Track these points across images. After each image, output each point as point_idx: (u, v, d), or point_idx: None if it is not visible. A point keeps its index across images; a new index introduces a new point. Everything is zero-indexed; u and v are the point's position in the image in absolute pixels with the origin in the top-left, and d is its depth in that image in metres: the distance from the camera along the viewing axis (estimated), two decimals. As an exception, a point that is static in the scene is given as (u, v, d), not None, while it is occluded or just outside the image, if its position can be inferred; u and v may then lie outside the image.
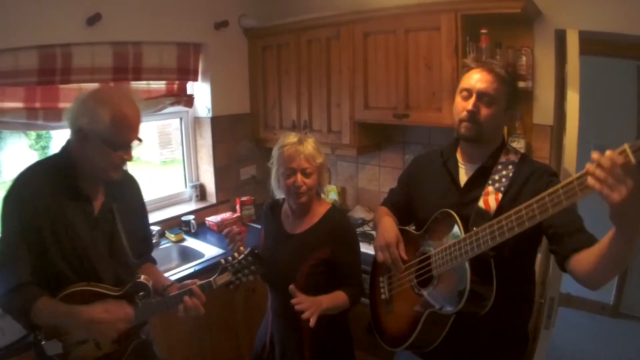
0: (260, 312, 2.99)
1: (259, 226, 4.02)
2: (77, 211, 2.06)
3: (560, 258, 1.82)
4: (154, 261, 2.55)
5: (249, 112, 4.54)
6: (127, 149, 2.05)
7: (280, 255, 2.49)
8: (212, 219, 4.15)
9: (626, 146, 1.36)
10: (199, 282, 2.18)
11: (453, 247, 1.90)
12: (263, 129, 4.48)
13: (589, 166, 1.42)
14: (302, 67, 4.01)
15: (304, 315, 2.18)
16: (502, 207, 1.93)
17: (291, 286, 2.31)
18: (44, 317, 1.93)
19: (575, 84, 2.64)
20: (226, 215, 4.21)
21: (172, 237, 3.85)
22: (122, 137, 2.00)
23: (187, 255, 3.73)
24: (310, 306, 2.23)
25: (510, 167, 2.04)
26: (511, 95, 2.05)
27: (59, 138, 3.45)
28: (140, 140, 2.08)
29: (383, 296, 2.32)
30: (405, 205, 2.44)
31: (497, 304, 1.85)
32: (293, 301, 2.24)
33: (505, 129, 3.27)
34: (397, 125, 3.66)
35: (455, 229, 1.95)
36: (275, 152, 2.52)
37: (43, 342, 2.04)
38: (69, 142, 2.07)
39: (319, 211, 2.56)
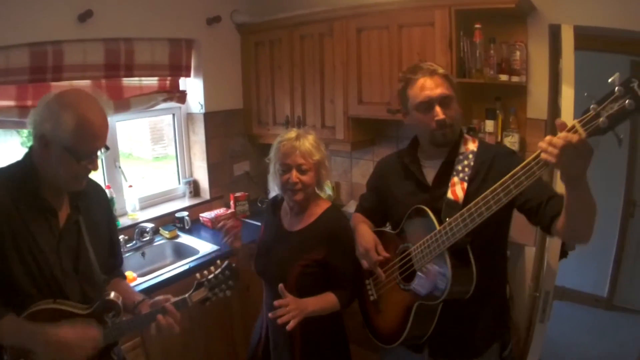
0: (255, 309, 2.99)
1: (253, 222, 4.05)
2: (41, 224, 1.90)
3: (544, 228, 1.97)
4: (123, 276, 2.45)
5: (242, 107, 4.53)
6: (92, 158, 1.89)
7: (276, 252, 2.50)
8: (206, 215, 4.14)
9: (575, 122, 1.51)
10: (173, 300, 2.08)
11: (430, 239, 2.00)
12: (256, 124, 4.46)
13: (541, 145, 1.56)
14: (295, 62, 4.00)
15: (280, 320, 2.20)
16: (469, 195, 2.03)
17: (280, 285, 2.32)
18: (8, 338, 1.83)
19: (570, 79, 2.64)
20: (220, 211, 4.20)
21: (166, 233, 3.84)
22: (87, 146, 1.84)
23: (181, 251, 3.72)
24: (294, 309, 2.25)
25: (470, 156, 2.13)
26: (455, 86, 2.15)
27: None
28: (107, 148, 1.95)
29: (372, 297, 2.38)
30: (377, 208, 2.52)
31: (478, 284, 1.97)
32: (276, 303, 2.25)
33: (500, 124, 3.28)
34: (391, 120, 3.66)
35: (430, 222, 2.03)
36: (273, 147, 2.52)
37: None
38: (31, 149, 1.94)
39: (317, 210, 2.55)
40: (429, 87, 2.06)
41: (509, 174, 1.72)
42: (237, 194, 4.35)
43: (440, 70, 2.12)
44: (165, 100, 3.98)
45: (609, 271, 5.15)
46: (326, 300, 2.44)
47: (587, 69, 3.26)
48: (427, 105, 2.06)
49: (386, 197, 2.42)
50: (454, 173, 2.11)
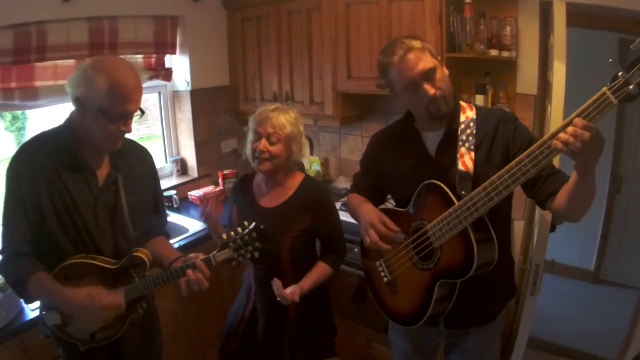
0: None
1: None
2: (79, 182, 2.03)
3: (540, 203, 1.98)
4: (167, 235, 2.55)
5: (228, 84, 4.48)
6: (126, 120, 1.97)
7: None
8: (195, 193, 4.13)
9: (605, 89, 1.50)
10: (201, 257, 2.12)
11: (449, 216, 1.90)
12: (243, 101, 4.42)
13: (563, 136, 1.57)
14: (283, 38, 3.95)
15: (285, 303, 2.38)
16: (478, 165, 1.98)
17: (274, 280, 2.40)
18: (37, 292, 1.97)
19: (562, 54, 2.62)
20: (209, 189, 4.20)
21: (154, 213, 3.79)
22: (120, 107, 1.91)
23: (170, 230, 3.63)
24: (291, 295, 2.37)
25: (471, 124, 2.06)
26: (435, 54, 2.03)
27: (35, 119, 3.39)
28: (142, 112, 2.04)
29: (385, 279, 2.28)
30: (374, 187, 2.43)
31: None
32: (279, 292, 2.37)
33: (490, 98, 3.27)
34: (380, 95, 3.65)
35: (447, 197, 1.94)
36: (250, 118, 2.54)
37: (43, 313, 2.10)
38: (71, 113, 2.04)
39: (293, 183, 2.58)
40: (409, 66, 1.94)
41: (537, 144, 1.66)
42: (225, 172, 4.32)
43: (415, 44, 1.97)
44: (150, 78, 3.93)
45: (596, 245, 5.20)
46: (318, 273, 2.55)
47: (576, 46, 3.27)
48: (413, 85, 1.96)
49: (385, 174, 2.32)
50: (460, 143, 2.02)
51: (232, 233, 2.13)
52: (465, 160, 1.99)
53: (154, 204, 2.42)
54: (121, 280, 2.09)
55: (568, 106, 3.05)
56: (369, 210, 2.23)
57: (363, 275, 3.46)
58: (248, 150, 2.53)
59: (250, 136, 2.52)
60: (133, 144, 2.31)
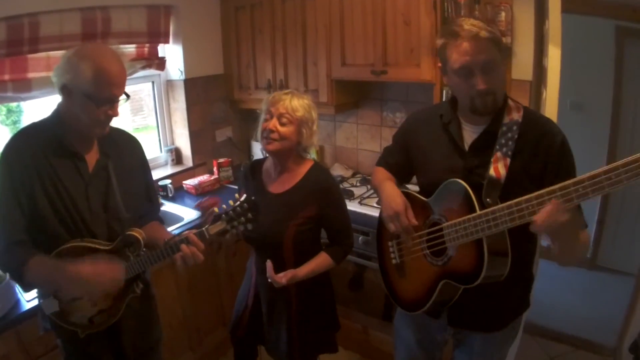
0: (242, 274, 3.00)
1: (237, 187, 4.02)
2: (69, 169, 2.07)
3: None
4: (160, 220, 2.58)
5: (222, 73, 4.46)
6: (112, 104, 2.03)
7: (265, 217, 2.46)
8: (190, 182, 4.11)
9: None
10: (194, 232, 2.15)
11: (468, 222, 1.85)
12: (237, 89, 4.41)
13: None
14: (277, 26, 3.93)
15: (277, 286, 2.42)
16: (511, 174, 1.89)
17: (267, 261, 2.42)
18: (36, 274, 1.97)
19: (557, 40, 2.61)
20: (204, 177, 4.18)
21: (149, 202, 3.79)
22: (105, 91, 1.97)
23: (166, 219, 3.64)
24: (282, 277, 2.40)
25: (514, 127, 1.93)
26: (502, 48, 1.91)
27: (30, 113, 3.38)
28: (127, 96, 2.08)
29: (394, 261, 2.28)
30: (403, 165, 2.36)
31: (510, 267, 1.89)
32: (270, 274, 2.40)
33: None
34: (375, 82, 3.65)
35: (469, 201, 1.88)
36: (264, 99, 2.56)
37: (40, 301, 2.13)
38: (59, 104, 2.10)
39: (301, 170, 2.56)
40: (471, 52, 1.83)
41: (574, 180, 1.57)
42: (220, 160, 4.31)
43: (484, 34, 1.84)
44: (144, 68, 3.90)
45: (593, 232, 5.19)
46: (317, 263, 2.53)
47: (572, 33, 3.25)
48: (467, 71, 1.86)
49: (416, 155, 2.26)
50: (497, 147, 1.92)
51: (224, 206, 2.14)
52: (499, 167, 1.90)
53: (146, 191, 2.46)
54: (116, 260, 2.11)
55: (562, 94, 3.06)
56: (393, 194, 2.17)
57: (361, 263, 3.49)
58: (258, 131, 2.53)
59: (262, 117, 2.52)
60: (121, 132, 2.37)
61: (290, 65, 3.95)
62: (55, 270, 1.95)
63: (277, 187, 2.58)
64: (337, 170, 4.16)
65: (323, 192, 2.51)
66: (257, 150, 2.51)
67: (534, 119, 2.01)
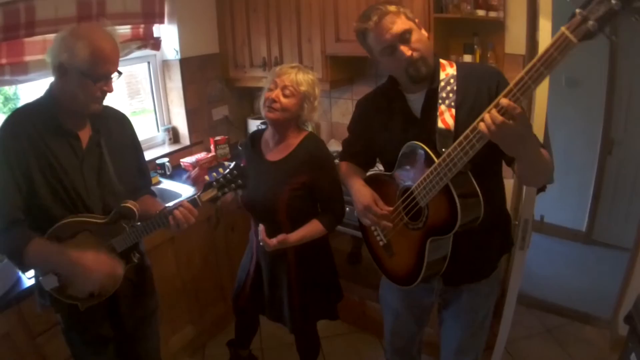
0: (241, 249, 3.05)
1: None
2: (64, 147, 2.12)
3: (507, 163, 2.00)
4: (153, 194, 2.64)
5: (218, 52, 4.47)
6: (107, 80, 2.10)
7: (262, 183, 2.56)
8: (187, 160, 4.15)
9: (563, 29, 1.46)
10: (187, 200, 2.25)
11: (431, 174, 1.90)
12: (233, 68, 4.41)
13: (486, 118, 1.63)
14: (271, 4, 3.94)
15: (268, 249, 2.56)
16: (459, 121, 1.97)
17: (260, 225, 2.53)
18: (36, 258, 2.03)
19: (548, 12, 2.63)
20: (201, 155, 4.21)
21: (147, 180, 3.82)
22: (101, 68, 2.04)
23: (164, 197, 3.69)
24: (273, 240, 2.50)
25: (452, 80, 2.03)
26: (409, 12, 2.01)
27: (27, 100, 3.42)
28: (119, 73, 2.13)
29: (381, 243, 2.32)
30: (365, 152, 2.44)
31: (484, 209, 1.93)
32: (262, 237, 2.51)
33: (478, 59, 3.28)
34: (369, 57, 3.64)
35: (427, 156, 1.95)
36: (271, 70, 2.64)
37: (40, 278, 2.16)
38: (51, 84, 2.14)
39: (297, 140, 2.64)
40: (384, 30, 1.94)
41: (502, 94, 1.62)
42: (217, 138, 4.34)
43: (391, 8, 1.96)
44: (139, 48, 3.90)
45: (588, 206, 5.25)
46: (309, 229, 2.61)
47: (567, 8, 3.26)
48: (390, 49, 1.96)
49: (374, 138, 2.32)
50: (440, 101, 2.02)
51: (214, 174, 2.23)
52: (446, 118, 1.98)
53: (138, 167, 2.53)
54: (113, 232, 2.18)
55: (558, 68, 3.08)
56: (360, 189, 2.25)
57: (358, 236, 3.51)
58: (262, 100, 2.61)
59: (266, 87, 2.60)
60: (112, 110, 2.42)
61: (285, 43, 3.96)
62: (55, 255, 2.02)
63: (274, 155, 2.66)
64: (333, 146, 4.18)
65: (315, 160, 2.59)
66: (253, 128, 2.58)
67: (468, 67, 2.18)
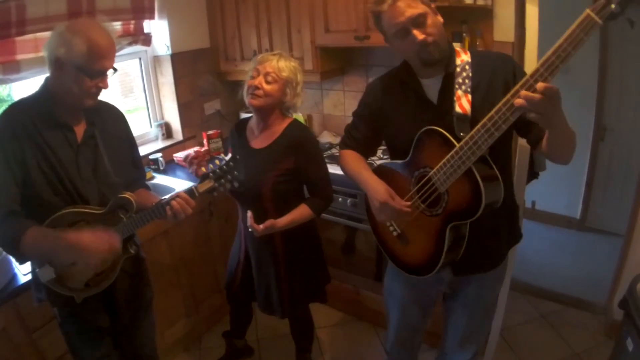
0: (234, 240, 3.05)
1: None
2: (59, 139, 2.14)
3: (532, 144, 2.04)
4: (147, 187, 2.66)
5: (209, 46, 4.47)
6: (103, 76, 2.11)
7: (246, 169, 2.54)
8: (180, 155, 4.14)
9: (588, 10, 1.49)
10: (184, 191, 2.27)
11: (452, 158, 1.90)
12: (224, 61, 4.41)
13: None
14: (260, -5, 3.95)
15: (256, 234, 2.59)
16: (475, 106, 1.98)
17: (249, 212, 2.55)
18: (33, 245, 2.01)
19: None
20: (194, 150, 4.18)
21: (141, 176, 3.82)
22: (98, 64, 2.05)
23: (158, 192, 3.66)
24: (260, 225, 2.53)
25: (467, 67, 2.04)
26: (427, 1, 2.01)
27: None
28: (115, 69, 2.15)
29: (395, 233, 2.28)
30: (371, 137, 2.40)
31: None
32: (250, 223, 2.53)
33: (467, 47, 3.29)
34: (359, 47, 3.67)
35: (447, 140, 1.94)
36: (253, 58, 2.68)
37: (37, 270, 2.18)
38: (47, 79, 2.16)
39: (281, 127, 2.67)
40: (398, 13, 1.93)
41: (529, 74, 1.64)
42: (210, 132, 4.32)
43: None
44: (130, 44, 3.90)
45: (581, 193, 5.28)
46: (297, 213, 2.65)
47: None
48: (403, 32, 1.95)
49: (385, 123, 2.28)
50: (456, 87, 2.02)
51: (211, 166, 2.25)
52: (463, 103, 1.99)
53: (132, 159, 2.55)
54: (110, 222, 2.19)
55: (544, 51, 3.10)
56: (376, 188, 2.17)
57: (352, 226, 3.53)
58: (245, 87, 2.64)
59: (248, 74, 2.64)
60: (106, 104, 2.43)
61: (275, 35, 3.96)
62: (52, 240, 2.01)
63: (259, 142, 2.69)
64: (326, 138, 4.20)
65: (299, 145, 2.61)
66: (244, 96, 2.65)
67: (482, 54, 2.20)
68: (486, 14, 3.22)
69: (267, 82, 2.55)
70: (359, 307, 3.89)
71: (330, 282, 3.03)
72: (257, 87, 2.54)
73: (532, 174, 3.63)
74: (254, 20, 4.03)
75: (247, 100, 2.60)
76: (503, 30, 3.23)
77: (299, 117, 4.39)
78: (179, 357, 3.69)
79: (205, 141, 4.33)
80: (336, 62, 3.99)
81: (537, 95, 1.58)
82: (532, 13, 2.68)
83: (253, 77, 2.58)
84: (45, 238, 2.02)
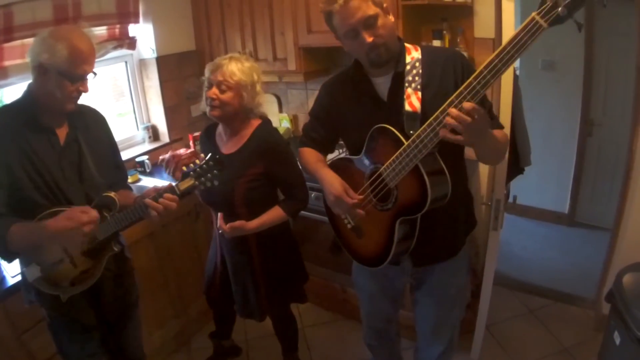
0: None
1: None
2: (43, 143, 2.19)
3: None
4: (130, 188, 2.71)
5: (194, 49, 4.50)
6: (83, 81, 2.17)
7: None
8: (165, 156, 4.13)
9: (534, 14, 1.51)
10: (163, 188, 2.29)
11: (400, 156, 1.94)
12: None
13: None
14: (244, -2, 3.97)
15: (227, 236, 2.65)
16: (425, 103, 2.01)
17: (220, 214, 2.59)
18: (19, 238, 2.05)
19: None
20: (180, 152, 4.20)
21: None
22: (79, 69, 2.11)
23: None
24: (229, 226, 2.55)
25: (417, 64, 2.07)
26: (378, 1, 2.01)
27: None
28: (94, 73, 2.21)
29: (349, 226, 2.34)
30: (328, 137, 2.47)
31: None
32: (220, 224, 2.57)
33: (447, 44, 3.31)
34: (342, 47, 3.65)
35: (396, 138, 1.98)
36: (206, 66, 2.64)
37: (23, 269, 2.23)
38: (29, 85, 2.21)
39: (249, 131, 2.65)
40: (348, 14, 1.94)
41: (474, 75, 1.67)
42: (196, 134, 4.33)
43: None
44: (115, 48, 3.92)
45: (569, 188, 5.30)
46: (269, 215, 2.65)
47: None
48: (353, 33, 1.97)
49: (340, 122, 2.33)
50: (406, 84, 2.05)
51: (192, 165, 2.26)
52: (413, 101, 2.02)
53: (114, 161, 2.60)
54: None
55: (534, 52, 3.11)
56: (330, 179, 2.24)
57: (321, 220, 3.52)
58: (203, 98, 2.63)
59: (204, 85, 2.62)
60: (88, 107, 2.49)
61: (259, 37, 3.99)
62: (37, 231, 2.06)
63: (228, 148, 2.68)
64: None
65: (268, 150, 2.60)
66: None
67: (432, 51, 2.20)
68: (466, 11, 3.26)
69: (222, 91, 2.52)
70: (346, 305, 3.90)
71: (308, 281, 3.03)
72: (213, 99, 2.53)
73: (518, 170, 3.66)
74: (238, 23, 4.05)
75: (207, 112, 2.60)
76: (483, 26, 3.26)
77: (284, 117, 4.41)
78: (168, 358, 3.69)
79: (191, 143, 4.35)
80: (320, 63, 4.01)
81: (467, 118, 1.67)
82: (508, 9, 2.69)
83: (208, 88, 2.57)
84: (31, 232, 2.07)
